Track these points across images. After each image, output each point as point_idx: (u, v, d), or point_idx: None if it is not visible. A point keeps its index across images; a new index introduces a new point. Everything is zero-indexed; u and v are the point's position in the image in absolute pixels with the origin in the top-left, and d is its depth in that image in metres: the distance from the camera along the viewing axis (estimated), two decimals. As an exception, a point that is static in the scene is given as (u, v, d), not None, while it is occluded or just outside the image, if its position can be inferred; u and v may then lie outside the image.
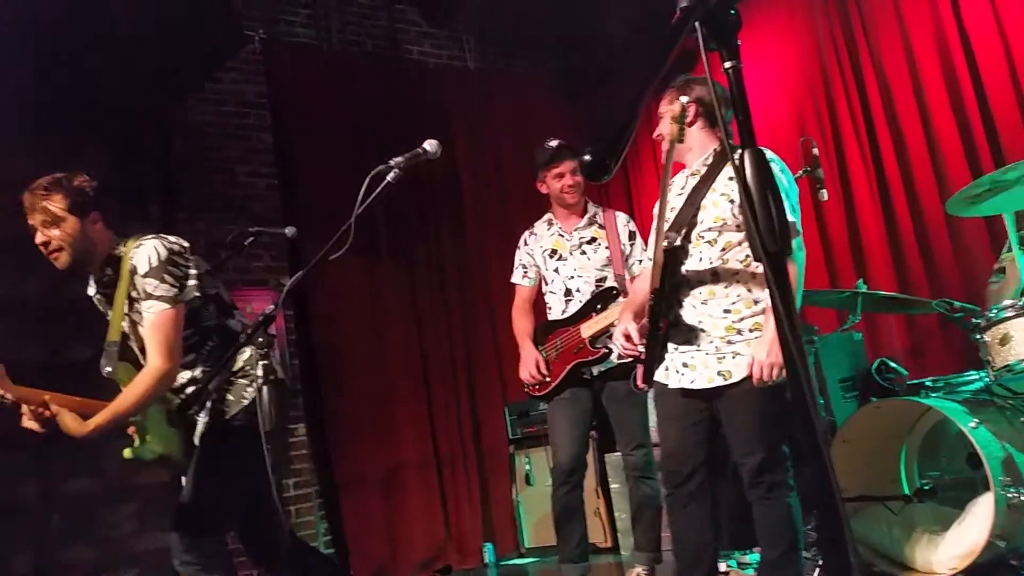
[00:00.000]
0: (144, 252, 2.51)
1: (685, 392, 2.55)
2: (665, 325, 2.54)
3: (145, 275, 2.50)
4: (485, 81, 6.08)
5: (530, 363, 3.46)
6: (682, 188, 2.67)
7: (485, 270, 5.57)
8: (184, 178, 4.81)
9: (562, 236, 3.57)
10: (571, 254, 3.53)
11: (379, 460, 5.02)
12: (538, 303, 3.68)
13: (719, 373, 2.48)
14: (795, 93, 5.01)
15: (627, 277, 3.45)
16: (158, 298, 2.49)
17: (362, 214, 2.36)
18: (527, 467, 5.05)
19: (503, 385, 5.45)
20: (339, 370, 5.05)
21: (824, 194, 3.33)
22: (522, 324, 3.58)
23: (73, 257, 2.56)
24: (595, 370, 3.44)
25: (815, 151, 3.37)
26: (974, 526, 2.77)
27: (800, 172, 3.42)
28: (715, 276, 2.52)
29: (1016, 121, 3.92)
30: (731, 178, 2.54)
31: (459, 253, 5.67)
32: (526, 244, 3.67)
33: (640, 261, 3.46)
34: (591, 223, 3.56)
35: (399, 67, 5.77)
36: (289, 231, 3.78)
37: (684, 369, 2.55)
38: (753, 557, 3.52)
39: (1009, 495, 2.63)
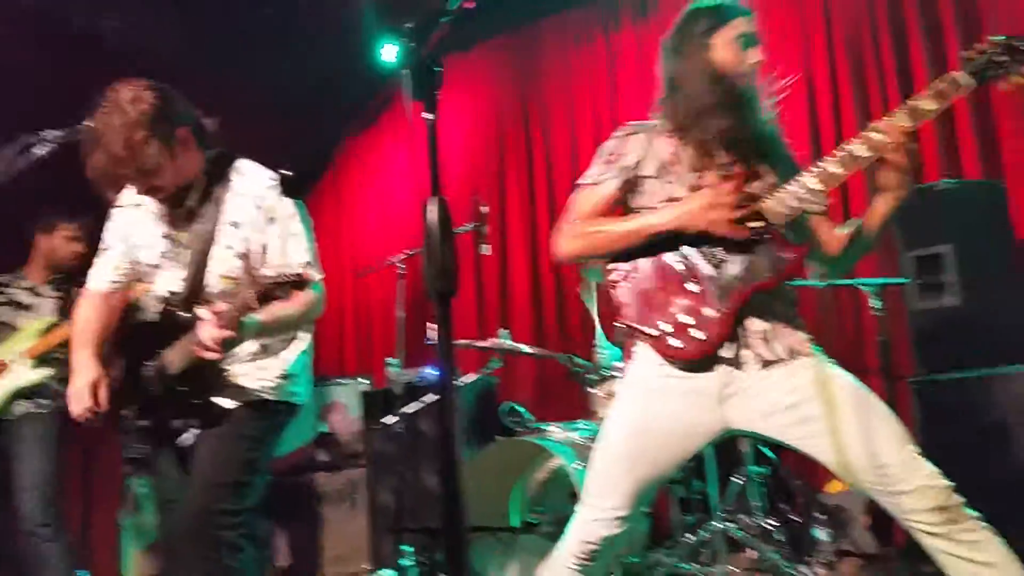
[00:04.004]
0: None
1: None
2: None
3: None
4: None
5: None
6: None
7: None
8: None
9: None
10: None
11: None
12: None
13: None
14: (473, 152, 5.41)
15: None
16: None
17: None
18: (141, 491, 4.63)
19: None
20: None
21: (487, 249, 3.59)
22: None
23: None
24: None
25: (484, 209, 3.63)
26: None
27: (468, 226, 3.67)
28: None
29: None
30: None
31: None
32: None
33: None
34: None
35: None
36: None
37: None
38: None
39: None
